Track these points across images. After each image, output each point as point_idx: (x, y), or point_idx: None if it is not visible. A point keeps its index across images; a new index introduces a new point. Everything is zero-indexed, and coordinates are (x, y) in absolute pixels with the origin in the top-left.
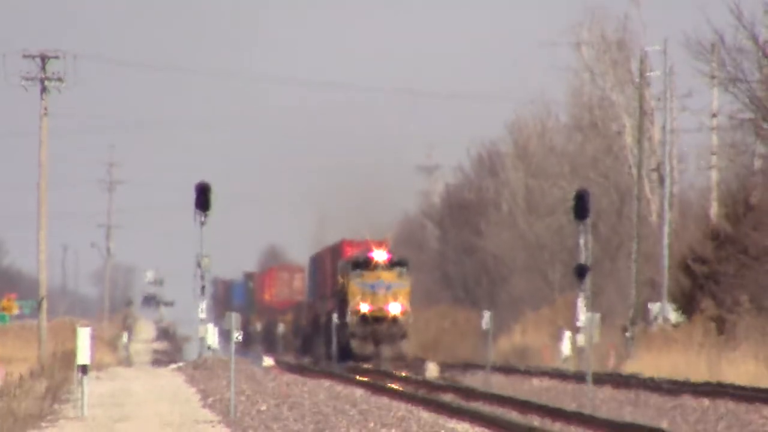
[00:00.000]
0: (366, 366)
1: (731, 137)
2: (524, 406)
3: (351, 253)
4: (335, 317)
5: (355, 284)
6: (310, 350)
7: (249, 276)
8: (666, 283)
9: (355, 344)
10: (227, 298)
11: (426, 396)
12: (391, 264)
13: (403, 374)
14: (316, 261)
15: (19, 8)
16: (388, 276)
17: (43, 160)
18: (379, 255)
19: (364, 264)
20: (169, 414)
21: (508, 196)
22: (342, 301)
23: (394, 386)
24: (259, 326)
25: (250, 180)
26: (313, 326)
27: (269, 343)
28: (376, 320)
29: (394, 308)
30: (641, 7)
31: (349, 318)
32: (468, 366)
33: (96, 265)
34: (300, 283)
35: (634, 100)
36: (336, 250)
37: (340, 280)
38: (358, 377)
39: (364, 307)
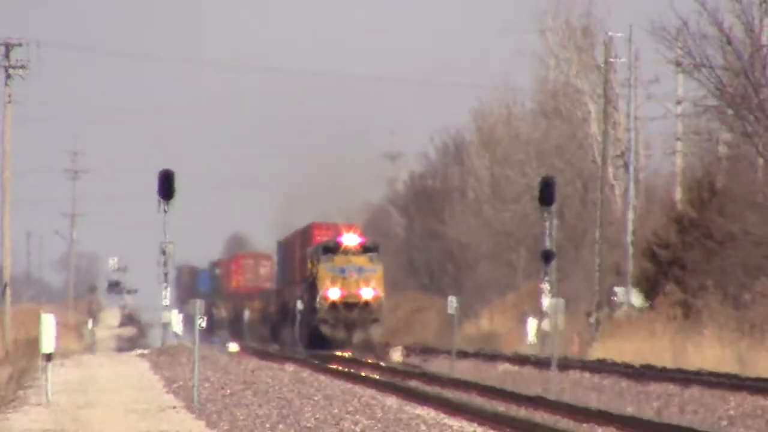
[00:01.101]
0: (335, 353)
1: (696, 124)
2: (489, 391)
3: (320, 237)
4: (304, 303)
5: (325, 269)
6: (278, 337)
7: (215, 263)
8: (630, 268)
9: (325, 330)
10: (193, 286)
11: (391, 382)
12: (363, 248)
13: (368, 360)
14: (285, 246)
15: None
16: (359, 260)
17: (7, 148)
18: (350, 239)
19: (335, 248)
20: (133, 400)
21: (474, 184)
22: (312, 287)
23: (360, 372)
24: (224, 313)
25: (215, 167)
26: (282, 313)
27: (235, 330)
28: (346, 306)
29: (366, 293)
30: None
31: (319, 303)
32: (433, 351)
33: (60, 252)
34: (267, 269)
35: (598, 87)
36: (305, 234)
37: (310, 265)
38: (323, 363)
39: (335, 293)
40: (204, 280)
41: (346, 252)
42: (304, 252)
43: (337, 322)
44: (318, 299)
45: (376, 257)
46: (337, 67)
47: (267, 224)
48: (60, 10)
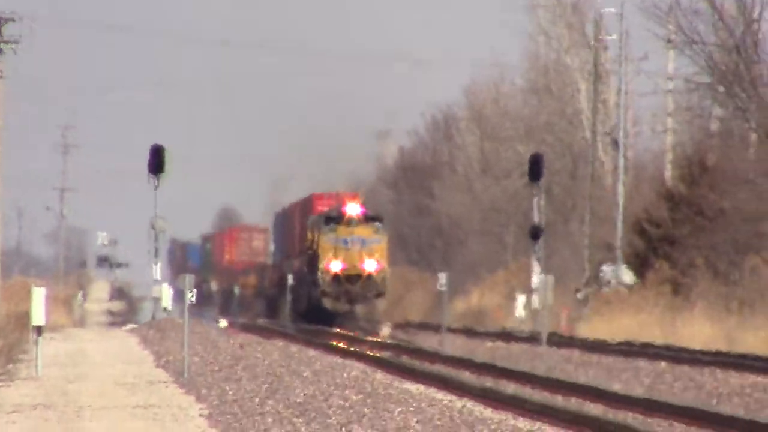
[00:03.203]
0: (331, 329)
1: (687, 100)
2: (478, 367)
3: (321, 207)
4: (304, 276)
5: (326, 240)
6: (275, 313)
7: (207, 237)
8: (620, 245)
9: (327, 303)
10: (184, 260)
11: (380, 357)
12: (366, 218)
13: (357, 336)
14: (283, 217)
15: None
16: (362, 231)
17: None
18: (353, 209)
19: (337, 218)
20: (123, 374)
21: (463, 160)
22: (313, 259)
23: (349, 348)
24: (215, 287)
25: (206, 143)
26: (279, 287)
27: (227, 304)
28: (349, 279)
29: (369, 265)
30: None
31: (321, 276)
32: (424, 327)
33: (51, 226)
34: (261, 243)
35: (589, 64)
36: (305, 205)
37: (310, 236)
38: (312, 338)
39: (337, 265)
40: (195, 255)
41: (349, 222)
42: (304, 223)
43: (340, 296)
44: (319, 272)
45: (380, 228)
46: (327, 45)
47: (256, 199)
48: None
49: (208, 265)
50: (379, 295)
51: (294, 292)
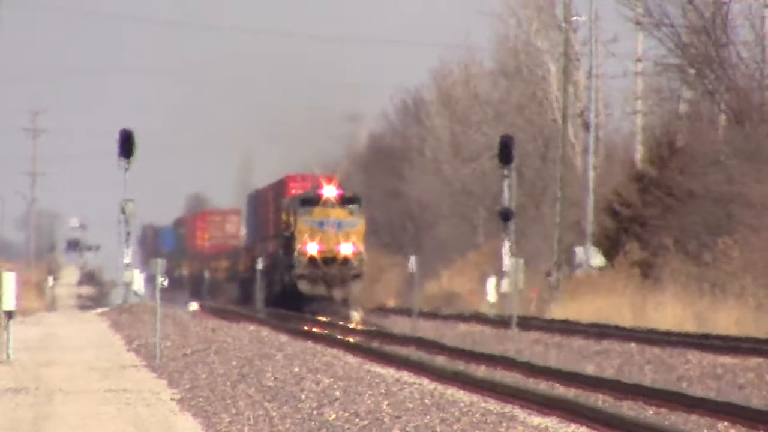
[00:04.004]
0: (305, 314)
1: (656, 82)
2: (449, 350)
3: (296, 189)
4: (279, 258)
5: (302, 222)
6: (249, 297)
7: (179, 221)
8: (590, 227)
9: (303, 287)
10: (155, 245)
11: (351, 341)
12: (343, 201)
13: (327, 320)
14: (256, 199)
15: None
16: (339, 213)
17: None
18: (329, 191)
19: (313, 200)
20: (94, 359)
21: (433, 142)
22: (288, 241)
23: (321, 332)
24: (186, 272)
25: (176, 127)
26: (252, 271)
27: (197, 289)
28: (325, 261)
29: (345, 249)
30: None
31: (296, 259)
32: (395, 311)
33: (21, 210)
34: (234, 227)
35: (559, 46)
36: (279, 187)
37: (285, 218)
38: (283, 323)
39: (313, 248)
40: (167, 239)
41: (326, 204)
42: (279, 205)
43: (316, 279)
44: (296, 254)
45: (357, 210)
46: (298, 28)
47: (226, 184)
48: None
49: (180, 249)
50: (356, 277)
51: (266, 276)
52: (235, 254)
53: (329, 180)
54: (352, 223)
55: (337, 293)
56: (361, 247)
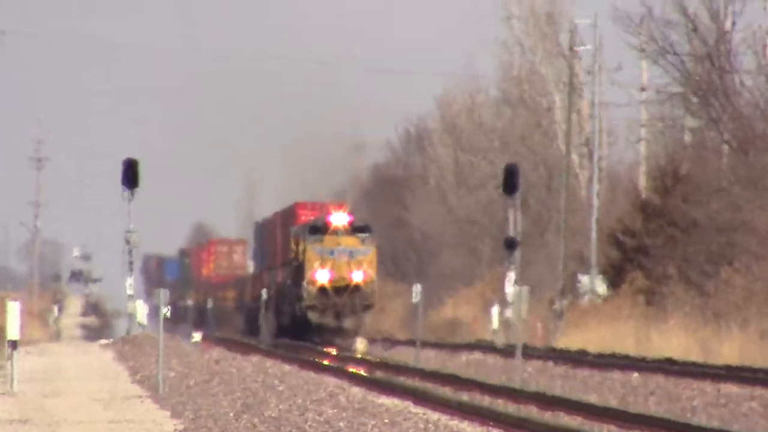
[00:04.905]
0: (313, 345)
1: (660, 111)
2: (453, 380)
3: (305, 216)
4: (287, 288)
5: (312, 251)
6: (255, 328)
7: (184, 251)
8: (595, 256)
9: (313, 316)
10: (160, 275)
11: (355, 372)
12: (353, 228)
13: (332, 351)
14: (264, 228)
15: None
16: (349, 241)
17: None
18: (339, 218)
19: (323, 228)
20: (98, 390)
21: (436, 171)
22: (297, 270)
23: (325, 362)
24: (191, 302)
25: (180, 157)
26: (259, 301)
27: (201, 319)
28: (336, 290)
29: (357, 276)
30: None
31: (306, 288)
32: (398, 341)
33: (24, 240)
34: (240, 257)
35: (563, 74)
36: (288, 215)
37: (294, 246)
38: (287, 353)
39: (323, 276)
40: (172, 269)
41: (336, 232)
42: (287, 233)
43: (326, 308)
44: (305, 283)
45: (368, 238)
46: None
47: (229, 212)
48: None
49: (185, 279)
50: (368, 307)
51: (274, 306)
52: (242, 284)
53: (339, 207)
54: (363, 251)
55: (348, 323)
56: (373, 276)
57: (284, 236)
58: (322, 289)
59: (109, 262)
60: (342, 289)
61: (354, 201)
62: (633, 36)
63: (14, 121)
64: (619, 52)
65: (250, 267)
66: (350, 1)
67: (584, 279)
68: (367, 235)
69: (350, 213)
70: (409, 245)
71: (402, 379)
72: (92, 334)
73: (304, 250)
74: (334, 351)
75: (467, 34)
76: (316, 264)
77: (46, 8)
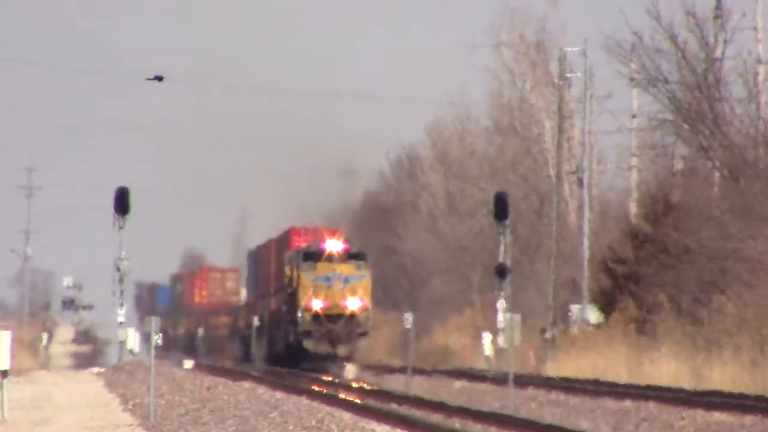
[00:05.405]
0: (307, 372)
1: (651, 138)
2: (445, 407)
3: (300, 242)
4: (281, 315)
5: (306, 277)
6: (249, 355)
7: (176, 278)
8: (586, 284)
9: (308, 344)
10: (152, 302)
11: (347, 398)
12: (348, 255)
13: (323, 378)
14: (258, 255)
15: None
16: (344, 268)
17: None
18: (334, 245)
19: (317, 255)
20: (89, 418)
21: (428, 198)
22: (291, 297)
23: (317, 389)
24: (183, 330)
25: (169, 184)
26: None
27: (192, 346)
28: (330, 318)
29: (352, 304)
30: (560, 8)
31: (300, 315)
32: (390, 368)
33: (15, 268)
34: (233, 283)
35: (553, 102)
36: (282, 241)
37: (288, 273)
38: (279, 380)
39: (318, 304)
40: (164, 296)
41: (330, 259)
42: (281, 259)
43: (321, 336)
44: (299, 310)
45: (363, 265)
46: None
47: (221, 240)
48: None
49: (177, 306)
50: (363, 334)
51: (267, 333)
52: (236, 311)
53: (333, 233)
54: (358, 277)
55: (342, 351)
56: (368, 303)
57: (278, 262)
58: (317, 316)
59: (100, 291)
60: (337, 317)
61: (347, 227)
62: (623, 64)
63: (5, 147)
64: (609, 80)
65: (243, 295)
66: (341, 31)
67: (575, 308)
68: (362, 262)
69: (345, 240)
70: (401, 272)
71: (393, 406)
72: (83, 362)
73: (298, 277)
74: (325, 378)
75: (458, 63)
76: (311, 291)
77: (39, 35)
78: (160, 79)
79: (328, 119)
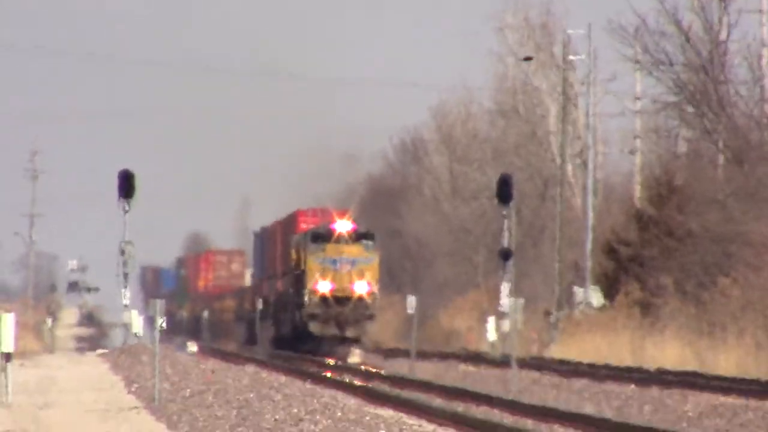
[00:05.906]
0: (311, 355)
1: (655, 121)
2: (449, 391)
3: (306, 224)
4: (288, 297)
5: (314, 260)
6: (255, 338)
7: (181, 261)
8: (590, 266)
9: (314, 327)
10: (156, 286)
11: (351, 382)
12: (357, 236)
13: (328, 361)
14: (264, 237)
15: None
16: (352, 250)
17: None
18: (342, 226)
19: (325, 236)
20: (93, 401)
21: (432, 181)
22: (298, 280)
23: (320, 373)
24: (188, 313)
25: (173, 169)
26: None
27: (197, 329)
28: (338, 301)
29: (360, 287)
30: None
31: (307, 298)
32: (394, 351)
33: (19, 252)
34: (239, 267)
35: (557, 85)
36: (288, 223)
37: (295, 255)
38: (283, 363)
39: (325, 287)
40: (168, 280)
41: (339, 240)
42: (288, 241)
43: (328, 319)
44: (306, 293)
45: (371, 246)
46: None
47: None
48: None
49: (182, 290)
50: (370, 317)
51: (273, 316)
52: (242, 293)
53: (342, 214)
54: (366, 260)
55: (350, 333)
56: (376, 287)
57: (285, 244)
58: (324, 299)
59: (105, 274)
60: (345, 300)
61: (353, 209)
62: (627, 47)
63: (9, 132)
64: (613, 62)
65: (248, 278)
66: (345, 16)
67: (579, 290)
68: (370, 242)
69: (354, 220)
70: (405, 255)
71: (397, 390)
72: (87, 345)
73: (305, 259)
74: (330, 361)
75: (462, 47)
76: (318, 273)
77: (44, 21)
78: None
79: (330, 104)
